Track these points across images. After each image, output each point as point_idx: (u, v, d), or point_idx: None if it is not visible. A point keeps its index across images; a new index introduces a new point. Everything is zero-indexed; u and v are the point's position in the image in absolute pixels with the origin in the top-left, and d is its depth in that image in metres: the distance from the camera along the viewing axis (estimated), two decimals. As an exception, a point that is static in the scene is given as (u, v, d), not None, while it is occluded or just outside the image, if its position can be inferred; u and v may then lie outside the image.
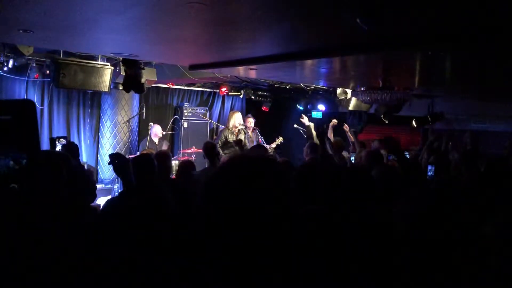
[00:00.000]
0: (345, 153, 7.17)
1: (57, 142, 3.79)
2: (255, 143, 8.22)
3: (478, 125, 11.00)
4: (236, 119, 7.71)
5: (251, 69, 5.90)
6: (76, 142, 9.18)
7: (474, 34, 3.54)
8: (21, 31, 4.29)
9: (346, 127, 7.76)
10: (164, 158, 4.69)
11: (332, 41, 4.23)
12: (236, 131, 7.66)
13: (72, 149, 3.07)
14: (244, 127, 7.88)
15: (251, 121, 8.60)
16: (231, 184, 1.31)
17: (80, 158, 8.87)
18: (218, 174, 1.38)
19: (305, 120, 7.79)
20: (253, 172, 1.33)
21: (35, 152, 1.38)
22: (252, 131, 8.63)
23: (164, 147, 8.46)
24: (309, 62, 5.13)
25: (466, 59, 4.74)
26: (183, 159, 8.24)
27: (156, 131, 8.86)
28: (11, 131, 1.38)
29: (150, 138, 8.87)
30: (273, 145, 8.47)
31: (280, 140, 8.56)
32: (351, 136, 7.70)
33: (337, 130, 7.78)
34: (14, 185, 1.34)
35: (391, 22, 3.39)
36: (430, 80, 6.34)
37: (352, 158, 6.49)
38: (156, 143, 8.77)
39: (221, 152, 7.53)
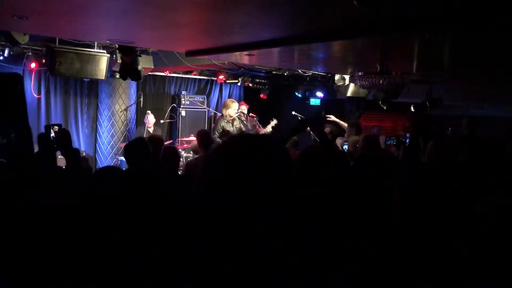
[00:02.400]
0: (339, 140, 7.16)
1: (51, 130, 3.83)
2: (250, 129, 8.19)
3: (476, 110, 11.00)
4: (231, 107, 7.63)
5: (248, 54, 5.86)
6: (74, 131, 9.24)
7: (471, 17, 3.51)
8: (15, 17, 4.25)
9: (329, 117, 7.85)
10: (157, 142, 4.69)
11: (329, 24, 4.19)
12: (231, 120, 7.62)
13: (63, 136, 3.04)
14: (238, 114, 7.83)
15: (243, 108, 8.56)
16: (232, 161, 1.27)
17: (78, 147, 8.91)
18: (217, 153, 1.34)
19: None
20: (254, 149, 1.29)
21: (23, 126, 1.36)
22: (249, 119, 8.59)
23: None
24: (306, 46, 5.09)
25: (464, 42, 4.71)
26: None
27: (147, 122, 8.83)
28: None
29: (145, 126, 8.84)
30: (268, 128, 8.43)
31: (274, 122, 8.50)
32: (340, 122, 7.78)
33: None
34: (2, 160, 1.32)
35: (388, 3, 3.35)
36: (428, 64, 6.31)
37: (346, 146, 6.41)
38: (151, 132, 8.71)
39: (220, 142, 7.49)
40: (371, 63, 5.87)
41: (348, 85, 8.82)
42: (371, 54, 5.59)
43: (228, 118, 7.50)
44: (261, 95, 11.05)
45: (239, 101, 10.64)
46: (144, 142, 4.05)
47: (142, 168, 3.67)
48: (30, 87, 8.52)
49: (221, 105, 11.07)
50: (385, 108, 9.02)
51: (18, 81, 1.41)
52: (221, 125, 7.43)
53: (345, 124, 7.78)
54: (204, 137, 5.65)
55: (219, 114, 9.25)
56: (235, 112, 7.64)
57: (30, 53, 7.61)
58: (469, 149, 3.81)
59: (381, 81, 5.57)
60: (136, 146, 4.00)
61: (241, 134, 1.46)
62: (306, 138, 7.86)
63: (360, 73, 5.78)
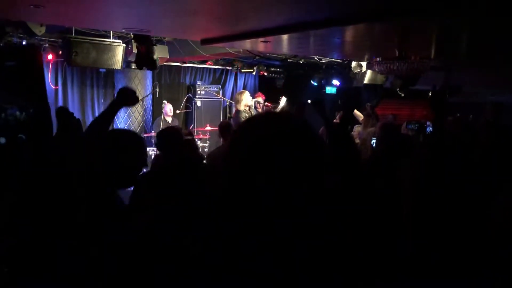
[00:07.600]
0: (356, 128, 7.04)
1: None
2: None
3: (496, 97, 10.78)
4: (244, 98, 7.51)
5: (263, 41, 5.79)
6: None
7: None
8: (32, 6, 4.26)
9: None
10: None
11: (346, 9, 4.12)
12: (248, 109, 7.56)
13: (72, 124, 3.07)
14: (253, 103, 7.74)
15: (259, 99, 8.49)
16: (260, 140, 1.21)
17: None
18: (247, 127, 1.28)
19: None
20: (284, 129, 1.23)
21: (42, 100, 1.34)
22: (265, 108, 8.52)
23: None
24: (323, 32, 5.01)
25: (486, 26, 4.59)
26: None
27: (167, 110, 8.94)
28: (15, 78, 1.34)
29: (164, 117, 8.92)
30: (278, 108, 8.18)
31: (284, 100, 8.18)
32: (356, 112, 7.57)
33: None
34: (22, 135, 1.30)
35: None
36: (448, 49, 6.19)
37: (373, 141, 6.29)
38: (170, 122, 8.82)
39: None
40: (390, 49, 5.78)
41: (365, 72, 8.70)
42: (390, 39, 5.49)
43: (245, 107, 7.43)
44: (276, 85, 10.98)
45: (254, 91, 10.59)
46: (177, 131, 4.23)
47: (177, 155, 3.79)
48: (47, 79, 8.60)
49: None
50: (402, 95, 8.88)
51: (36, 52, 1.38)
52: (243, 116, 7.33)
53: (360, 114, 7.65)
54: (224, 127, 5.83)
55: (234, 105, 9.20)
56: (250, 100, 7.59)
57: (47, 45, 7.67)
58: (494, 133, 3.72)
59: (399, 67, 5.49)
60: (171, 134, 4.17)
61: (265, 113, 1.39)
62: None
63: (378, 59, 5.70)
